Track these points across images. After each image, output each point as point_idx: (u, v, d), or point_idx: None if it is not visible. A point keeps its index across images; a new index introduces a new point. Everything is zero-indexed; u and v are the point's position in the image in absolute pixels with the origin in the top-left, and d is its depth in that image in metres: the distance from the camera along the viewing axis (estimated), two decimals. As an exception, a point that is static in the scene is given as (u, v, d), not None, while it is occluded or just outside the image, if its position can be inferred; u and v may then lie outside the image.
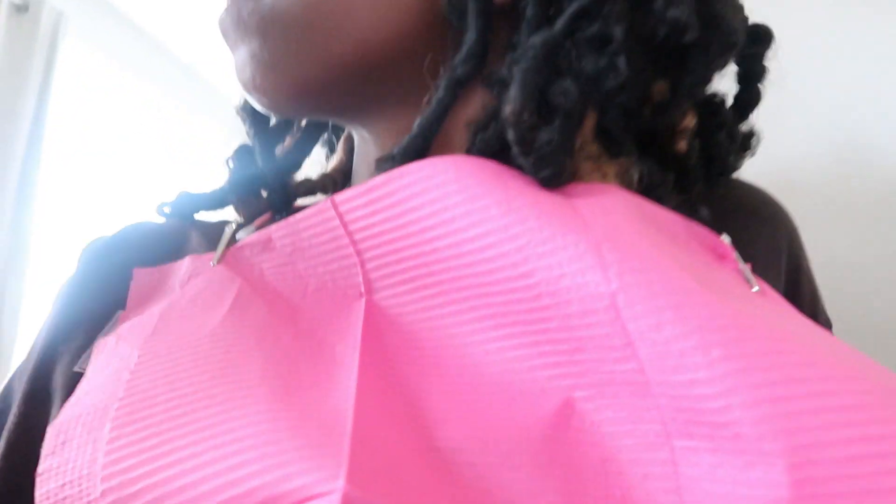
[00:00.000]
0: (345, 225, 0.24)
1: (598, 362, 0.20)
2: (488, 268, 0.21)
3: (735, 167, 0.31)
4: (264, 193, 0.36)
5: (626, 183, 0.26)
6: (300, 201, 0.38)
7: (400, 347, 0.23)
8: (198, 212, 0.36)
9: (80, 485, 0.19)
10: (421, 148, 0.26)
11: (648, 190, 0.27)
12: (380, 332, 0.23)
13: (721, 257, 0.26)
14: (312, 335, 0.24)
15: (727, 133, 0.30)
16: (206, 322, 0.24)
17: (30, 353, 0.31)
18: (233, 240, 0.28)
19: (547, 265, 0.20)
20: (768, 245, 0.32)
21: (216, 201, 0.36)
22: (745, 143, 0.31)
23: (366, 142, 0.33)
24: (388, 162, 0.26)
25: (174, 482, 0.17)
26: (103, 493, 0.18)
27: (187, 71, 2.00)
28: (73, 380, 0.27)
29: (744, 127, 0.31)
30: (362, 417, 0.19)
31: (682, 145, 0.29)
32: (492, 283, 0.22)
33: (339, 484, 0.16)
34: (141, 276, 0.29)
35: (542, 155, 0.23)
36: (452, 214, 0.22)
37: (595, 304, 0.20)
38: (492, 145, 0.25)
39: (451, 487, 0.19)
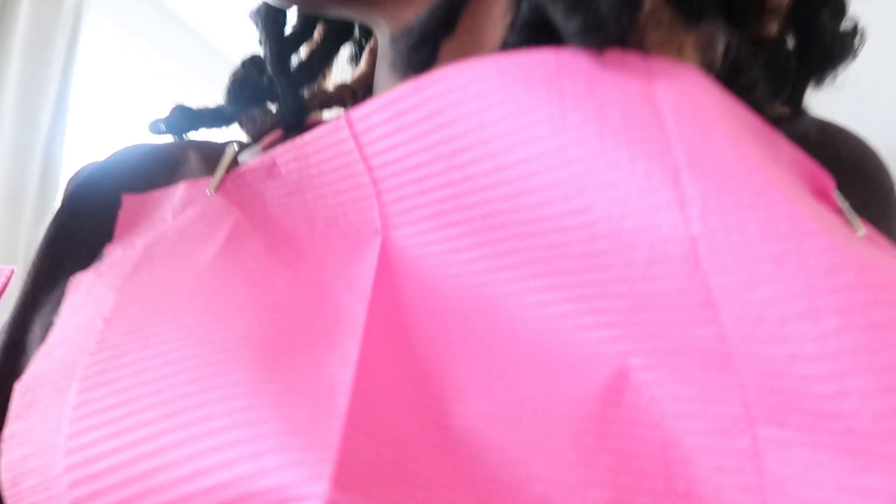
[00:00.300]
0: (360, 147, 0.20)
1: (664, 324, 0.16)
2: (533, 200, 0.17)
3: (841, 58, 0.25)
4: (273, 108, 0.32)
5: (708, 59, 0.20)
6: (319, 117, 0.34)
7: (418, 297, 0.19)
8: (196, 129, 0.32)
9: (42, 457, 0.16)
10: (446, 19, 0.21)
11: (736, 71, 0.21)
12: (395, 279, 0.20)
13: (820, 192, 0.21)
14: (315, 281, 0.20)
15: (832, 11, 0.24)
16: (193, 262, 0.20)
17: (16, 300, 0.28)
18: (234, 163, 0.25)
19: (608, 199, 0.16)
20: (859, 208, 0.26)
21: (218, 117, 0.31)
22: (849, 41, 0.25)
23: (386, 39, 0.28)
24: (406, 37, 0.21)
25: (138, 464, 0.15)
26: (66, 470, 0.16)
27: (211, 50, 1.96)
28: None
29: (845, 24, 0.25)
30: (362, 392, 0.15)
31: (773, 27, 0.23)
32: (536, 219, 0.17)
33: (322, 488, 0.13)
34: (130, 202, 0.25)
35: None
36: (493, 132, 0.17)
37: (668, 251, 0.15)
38: (542, 7, 0.19)
39: (470, 480, 0.15)
